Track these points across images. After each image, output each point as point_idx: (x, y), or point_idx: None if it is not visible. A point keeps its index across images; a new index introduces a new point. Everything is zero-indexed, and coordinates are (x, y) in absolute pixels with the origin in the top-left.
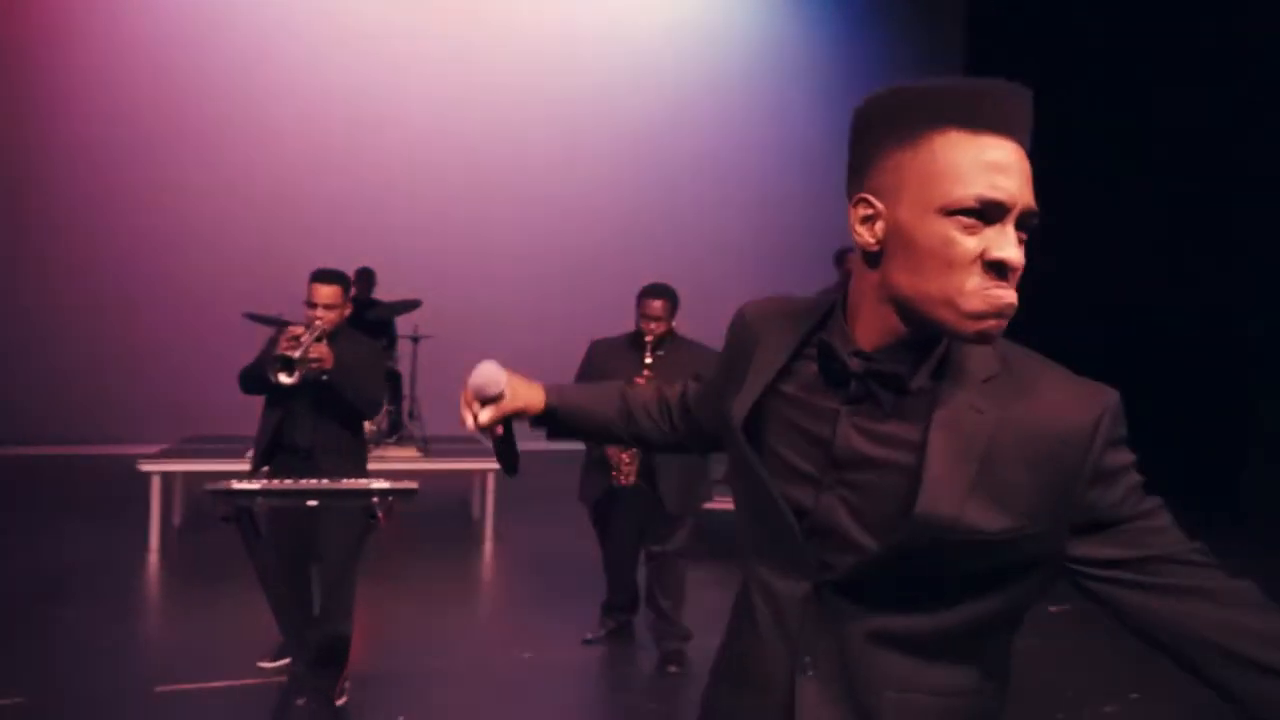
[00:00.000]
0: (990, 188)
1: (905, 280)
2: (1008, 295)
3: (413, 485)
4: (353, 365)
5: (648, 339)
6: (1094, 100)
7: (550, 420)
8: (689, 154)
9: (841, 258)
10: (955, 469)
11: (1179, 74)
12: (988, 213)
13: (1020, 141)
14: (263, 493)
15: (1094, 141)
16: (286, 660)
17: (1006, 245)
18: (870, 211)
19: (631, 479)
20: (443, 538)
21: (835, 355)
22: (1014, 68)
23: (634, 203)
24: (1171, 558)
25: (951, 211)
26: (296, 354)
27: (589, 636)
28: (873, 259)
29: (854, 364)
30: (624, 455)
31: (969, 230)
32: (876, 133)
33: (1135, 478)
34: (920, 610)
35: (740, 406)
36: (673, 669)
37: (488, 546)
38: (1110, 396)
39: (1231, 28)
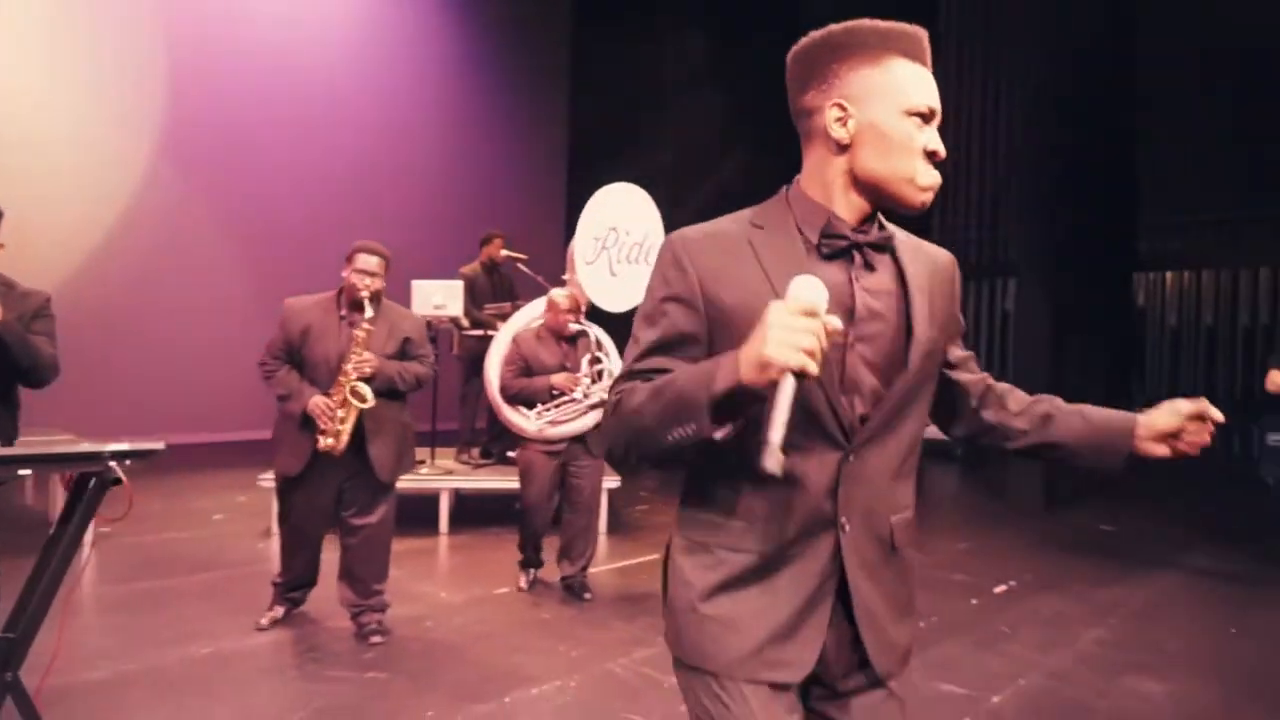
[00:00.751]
0: (931, 99)
1: (878, 164)
2: (937, 175)
3: (159, 445)
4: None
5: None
6: None
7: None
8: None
9: (487, 240)
10: (922, 302)
11: None
12: (927, 116)
13: (931, 70)
14: None
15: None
16: None
17: (937, 141)
18: (844, 114)
19: (343, 445)
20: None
21: (842, 234)
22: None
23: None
24: (971, 356)
25: (911, 114)
26: None
27: (263, 623)
28: (843, 150)
29: (859, 238)
30: (338, 415)
31: (919, 128)
32: (847, 54)
33: None
34: (904, 438)
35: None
36: (377, 640)
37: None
38: (951, 254)
39: None
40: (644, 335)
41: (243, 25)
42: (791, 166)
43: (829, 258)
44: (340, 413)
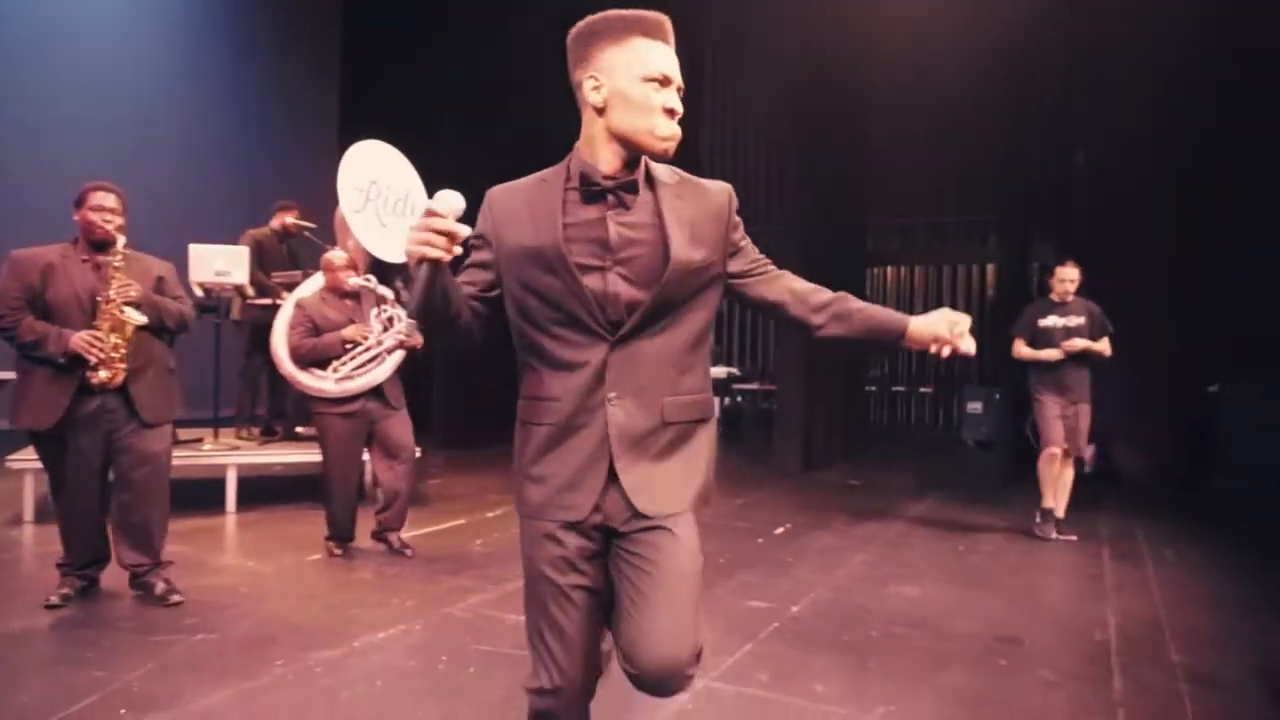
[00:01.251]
0: (664, 67)
1: (624, 121)
2: (676, 128)
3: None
4: None
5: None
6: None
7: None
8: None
9: (283, 208)
10: (680, 231)
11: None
12: (663, 82)
13: (672, 47)
14: None
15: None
16: None
17: (675, 100)
18: (598, 83)
19: (121, 375)
20: None
21: (595, 181)
22: None
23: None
24: (764, 266)
25: (649, 80)
26: None
27: (53, 599)
28: (601, 112)
29: (607, 184)
30: (111, 342)
31: (656, 91)
32: (599, 38)
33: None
34: (679, 335)
35: (550, 236)
36: (176, 599)
37: None
38: (729, 187)
39: None
40: (464, 261)
41: None
42: (562, 119)
43: (588, 200)
44: (114, 338)
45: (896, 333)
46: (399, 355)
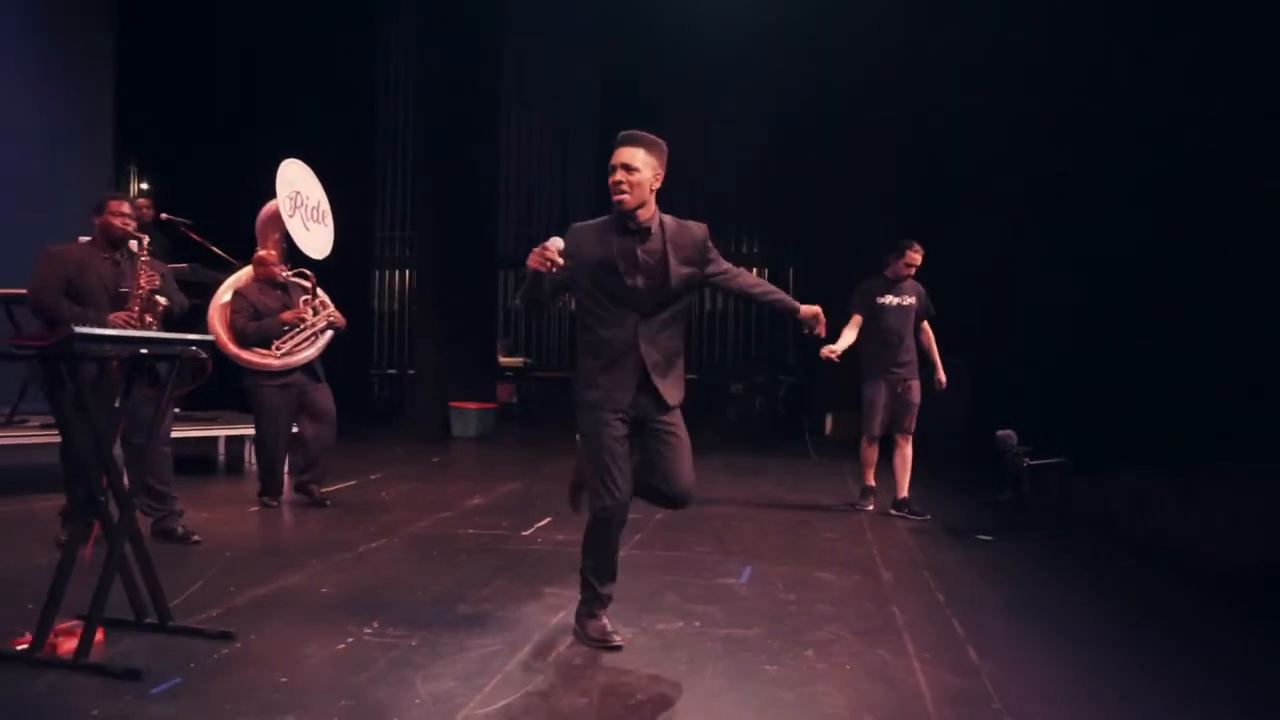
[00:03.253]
0: (615, 160)
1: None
2: (620, 196)
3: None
4: None
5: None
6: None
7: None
8: None
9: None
10: (675, 258)
11: None
12: (607, 169)
13: (631, 145)
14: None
15: None
16: None
17: (615, 177)
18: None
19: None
20: None
21: (626, 225)
22: None
23: None
24: (731, 270)
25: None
26: None
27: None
28: None
29: (634, 226)
30: (148, 323)
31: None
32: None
33: (718, 253)
34: (670, 310)
35: (605, 252)
36: (196, 538)
37: None
38: (705, 225)
39: None
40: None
41: None
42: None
43: (623, 235)
44: (147, 319)
45: (790, 311)
46: (329, 335)
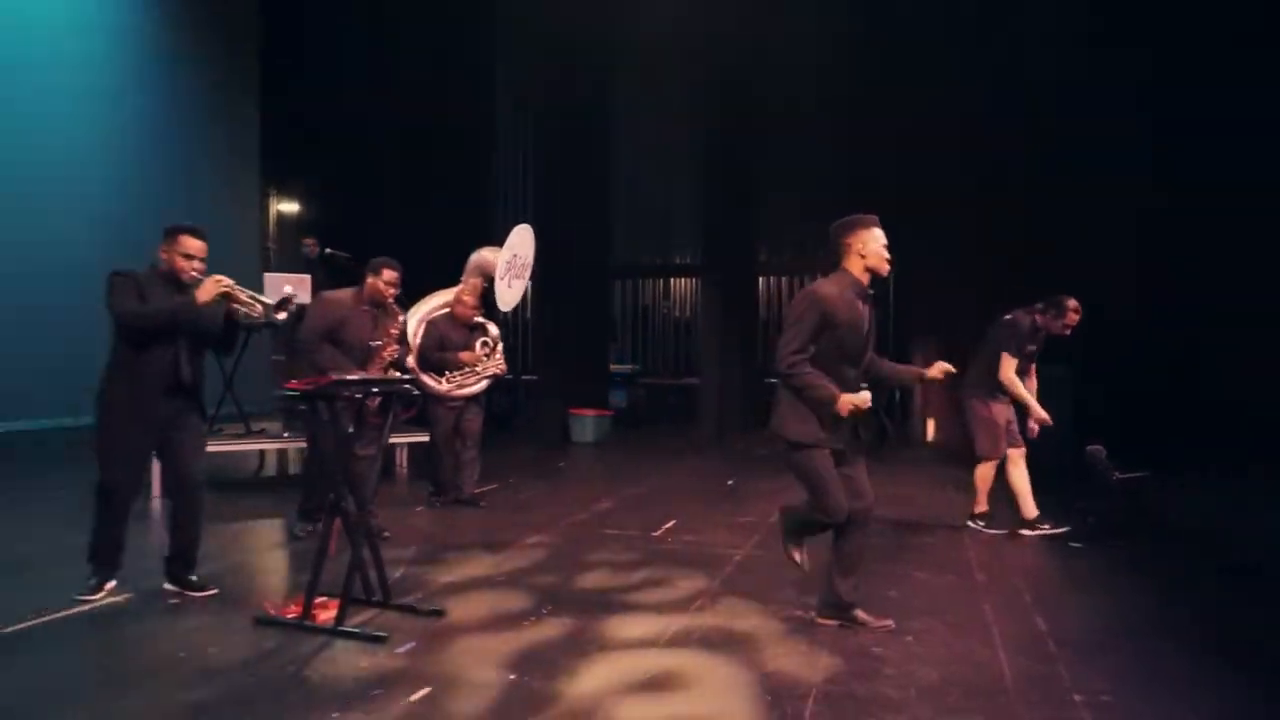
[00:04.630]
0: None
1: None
2: (888, 269)
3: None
4: None
5: None
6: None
7: None
8: None
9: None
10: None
11: None
12: (879, 247)
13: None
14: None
15: None
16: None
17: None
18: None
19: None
20: None
21: (865, 292)
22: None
23: None
24: None
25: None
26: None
27: (302, 533)
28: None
29: (869, 292)
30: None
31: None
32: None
33: None
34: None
35: (854, 316)
36: (386, 534)
37: None
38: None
39: None
40: (800, 332)
41: None
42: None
43: (864, 301)
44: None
45: (913, 377)
46: (492, 379)
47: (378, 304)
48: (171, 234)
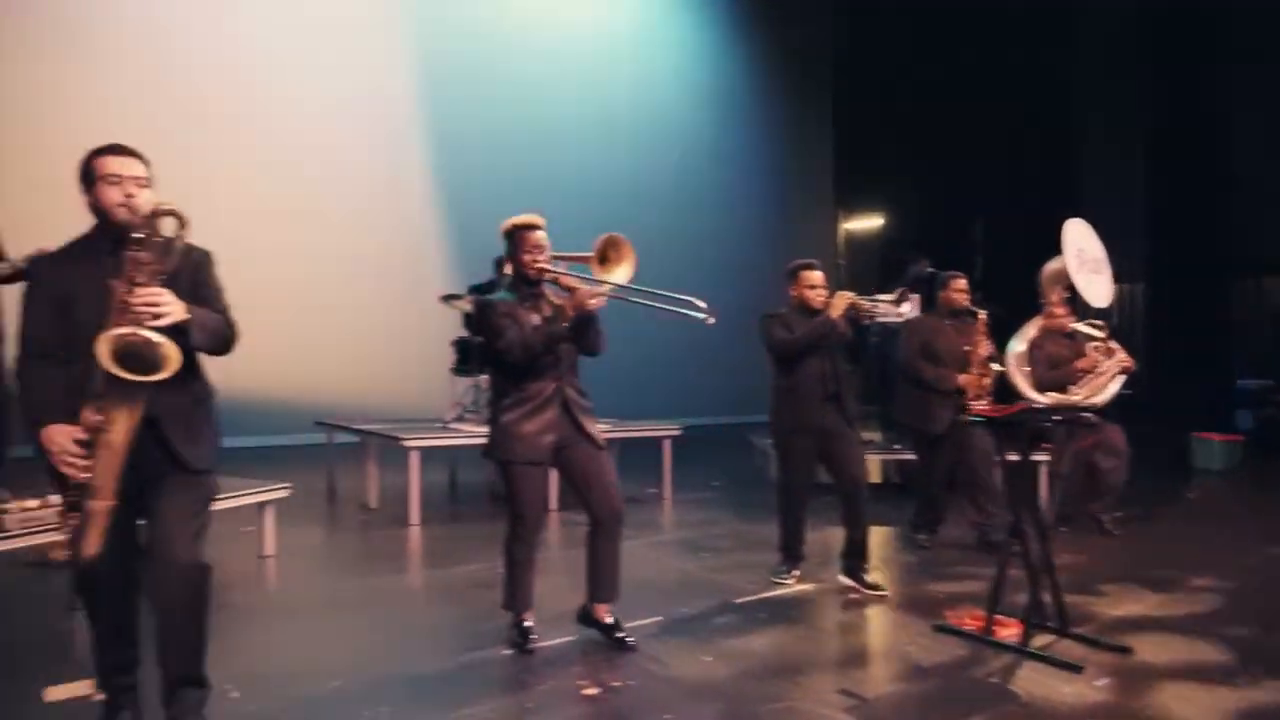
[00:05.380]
0: None
1: None
2: None
3: None
4: None
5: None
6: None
7: None
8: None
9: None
10: None
11: None
12: None
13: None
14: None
15: None
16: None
17: None
18: None
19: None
20: None
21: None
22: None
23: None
24: None
25: None
26: None
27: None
28: None
29: None
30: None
31: None
32: None
33: None
34: None
35: None
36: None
37: None
38: None
39: None
40: None
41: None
42: None
43: None
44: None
45: None
46: (1122, 378)
47: (956, 313)
48: (793, 273)
